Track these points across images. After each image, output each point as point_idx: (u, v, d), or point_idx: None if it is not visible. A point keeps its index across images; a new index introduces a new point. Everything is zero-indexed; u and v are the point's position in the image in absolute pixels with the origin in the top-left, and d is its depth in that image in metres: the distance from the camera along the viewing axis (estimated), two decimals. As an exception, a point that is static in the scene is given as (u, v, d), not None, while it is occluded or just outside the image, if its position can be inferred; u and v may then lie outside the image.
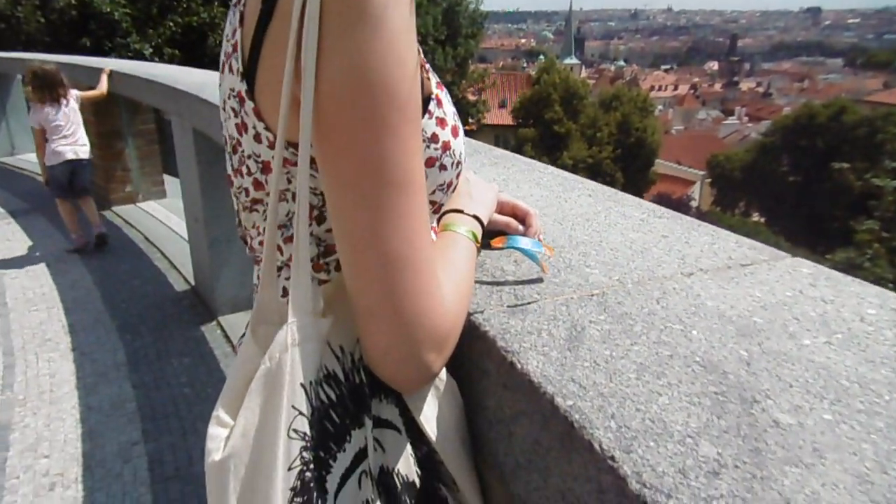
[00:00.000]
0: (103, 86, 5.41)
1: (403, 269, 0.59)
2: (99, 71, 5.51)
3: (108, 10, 12.32)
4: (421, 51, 0.65)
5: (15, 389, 3.25)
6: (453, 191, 0.78)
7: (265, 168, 0.69)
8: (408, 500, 0.70)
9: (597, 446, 0.52)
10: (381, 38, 0.54)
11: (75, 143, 4.93)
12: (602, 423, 0.54)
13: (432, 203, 0.74)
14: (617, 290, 0.80)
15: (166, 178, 6.55)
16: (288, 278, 0.74)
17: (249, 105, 0.65)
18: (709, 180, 38.99)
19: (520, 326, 0.72)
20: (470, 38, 25.08)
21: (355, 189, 0.57)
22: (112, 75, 5.43)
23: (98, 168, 5.70)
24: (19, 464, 2.69)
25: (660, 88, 72.66)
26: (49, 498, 2.48)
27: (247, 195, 0.73)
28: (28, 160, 8.00)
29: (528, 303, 0.78)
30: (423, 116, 0.66)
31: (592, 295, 0.79)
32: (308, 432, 0.62)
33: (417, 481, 0.71)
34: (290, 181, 0.68)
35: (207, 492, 0.61)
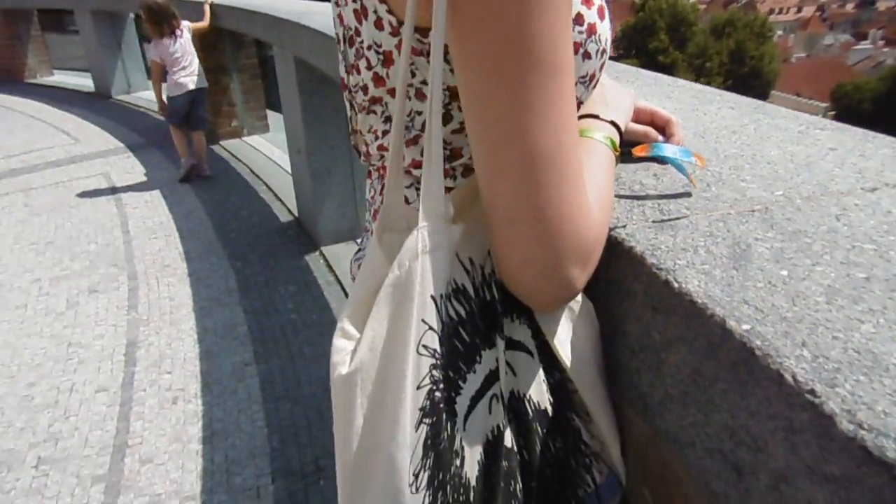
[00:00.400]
0: (206, 17, 5.55)
1: (549, 168, 0.51)
2: (201, 5, 5.63)
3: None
4: None
5: (139, 310, 3.49)
6: (595, 86, 0.68)
7: (387, 60, 0.62)
8: (539, 429, 0.64)
9: (788, 378, 0.43)
10: None
11: (193, 72, 5.13)
12: (791, 351, 0.45)
13: None
14: (784, 206, 0.68)
15: (269, 113, 6.71)
16: (408, 186, 0.68)
17: None
18: (832, 113, 35.75)
19: (671, 243, 0.62)
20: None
21: (496, 73, 0.49)
22: (213, 7, 5.55)
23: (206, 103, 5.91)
24: (145, 378, 2.90)
25: (780, 11, 66.32)
26: (172, 410, 2.67)
27: (365, 93, 0.67)
28: (142, 97, 8.43)
29: (678, 218, 0.68)
30: None
31: (753, 210, 0.68)
32: (438, 349, 0.56)
33: (549, 409, 0.65)
34: (413, 74, 0.61)
35: (333, 406, 0.57)
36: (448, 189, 0.66)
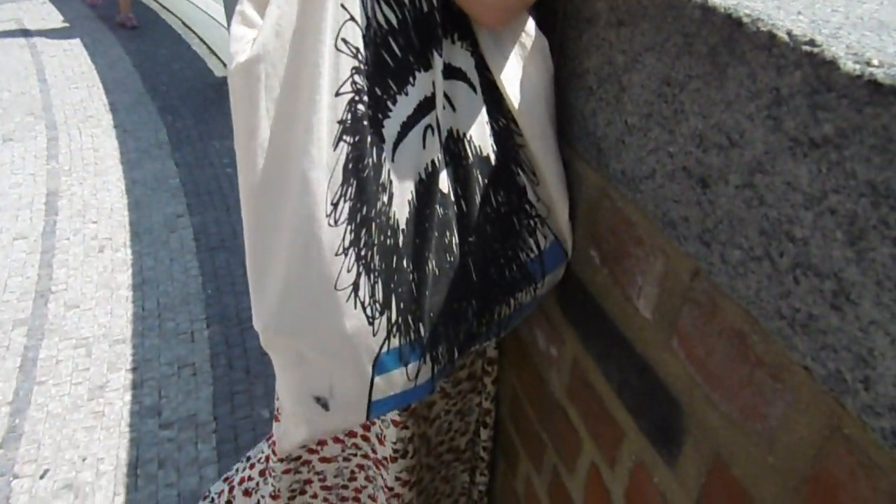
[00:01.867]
0: None
1: None
2: None
3: None
4: None
5: (60, 160, 3.24)
6: None
7: None
8: (479, 177, 0.57)
9: (782, 35, 0.35)
10: None
11: None
12: (786, 16, 0.37)
13: None
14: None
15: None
16: None
17: None
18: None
19: (644, -44, 0.53)
20: None
21: None
22: None
23: (129, -58, 5.30)
24: (69, 227, 2.73)
25: None
26: (99, 259, 2.54)
27: None
28: (58, -62, 7.50)
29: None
30: None
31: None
32: (361, 50, 0.47)
33: (492, 157, 0.57)
34: None
35: (232, 110, 0.48)
36: None
